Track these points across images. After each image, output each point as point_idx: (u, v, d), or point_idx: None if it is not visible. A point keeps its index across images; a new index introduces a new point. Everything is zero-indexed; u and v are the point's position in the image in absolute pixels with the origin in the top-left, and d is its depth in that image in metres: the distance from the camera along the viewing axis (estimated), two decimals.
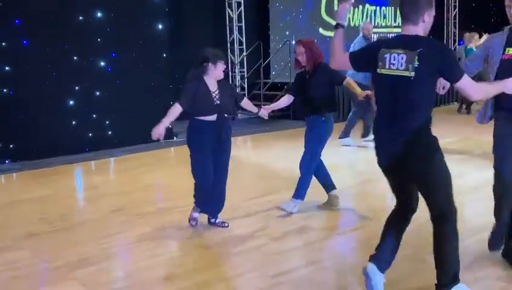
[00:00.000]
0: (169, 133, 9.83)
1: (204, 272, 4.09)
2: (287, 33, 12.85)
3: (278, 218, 5.25)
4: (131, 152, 8.90)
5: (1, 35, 8.09)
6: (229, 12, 12.36)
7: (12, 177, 7.63)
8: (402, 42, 3.14)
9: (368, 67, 3.27)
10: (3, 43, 8.14)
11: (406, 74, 3.06)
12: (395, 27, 14.99)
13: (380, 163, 3.34)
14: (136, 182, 7.00)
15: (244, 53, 12.53)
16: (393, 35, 13.74)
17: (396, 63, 3.10)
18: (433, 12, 3.20)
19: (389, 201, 5.14)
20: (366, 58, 3.30)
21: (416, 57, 3.02)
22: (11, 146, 8.32)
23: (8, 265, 4.37)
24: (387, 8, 14.92)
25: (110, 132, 9.22)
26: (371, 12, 14.47)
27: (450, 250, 3.24)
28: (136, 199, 6.21)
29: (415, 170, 3.18)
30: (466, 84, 3.14)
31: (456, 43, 16.91)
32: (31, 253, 4.61)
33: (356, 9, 14.08)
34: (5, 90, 8.21)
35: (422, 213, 3.42)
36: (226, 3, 12.32)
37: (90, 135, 9.01)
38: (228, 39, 12.44)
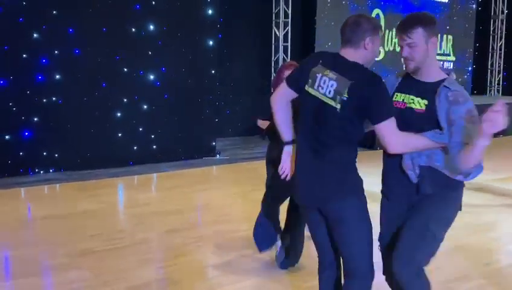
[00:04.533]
0: (212, 150, 9.68)
1: None
2: None
3: None
4: (175, 168, 8.71)
5: (54, 43, 7.99)
6: (275, 32, 12.19)
7: (56, 188, 7.46)
8: (337, 64, 2.73)
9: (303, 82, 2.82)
10: (56, 51, 8.03)
11: (332, 103, 2.67)
12: (440, 54, 14.72)
13: (300, 200, 2.94)
14: (187, 200, 6.79)
15: None
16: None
17: (324, 88, 2.70)
18: (378, 42, 2.78)
19: None
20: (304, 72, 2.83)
21: (347, 89, 2.62)
22: (56, 155, 8.18)
23: (68, 285, 4.15)
24: None
25: (154, 146, 9.05)
26: None
27: None
28: (189, 219, 5.99)
29: (330, 213, 2.78)
30: (387, 130, 2.65)
31: (501, 75, 16.55)
32: (90, 273, 4.39)
33: None
34: (54, 98, 8.09)
35: None
36: (273, 22, 12.17)
37: (135, 148, 8.84)
38: (273, 58, 12.25)
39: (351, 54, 2.75)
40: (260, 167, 8.92)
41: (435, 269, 4.49)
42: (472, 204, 6.71)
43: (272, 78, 12.34)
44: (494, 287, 4.19)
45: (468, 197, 6.95)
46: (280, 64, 12.19)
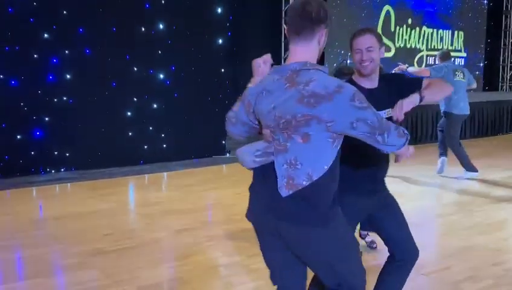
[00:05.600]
0: (222, 149, 9.71)
1: None
2: (342, 52, 12.62)
3: None
4: (186, 167, 8.75)
5: (64, 43, 8.05)
6: (285, 29, 12.18)
7: (67, 187, 7.51)
8: None
9: None
10: (66, 51, 8.09)
11: None
12: (452, 50, 14.64)
13: None
14: (198, 199, 6.82)
15: None
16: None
17: None
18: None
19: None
20: None
21: None
22: (67, 154, 8.25)
23: (79, 285, 4.19)
24: (445, 31, 14.57)
25: (164, 145, 9.09)
26: (428, 35, 14.15)
27: None
28: (200, 218, 6.01)
29: None
30: None
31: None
32: (100, 273, 4.43)
33: (413, 31, 13.78)
34: (64, 98, 8.15)
35: None
36: (283, 20, 12.16)
37: (145, 147, 8.89)
38: (283, 56, 12.25)
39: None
40: None
41: (444, 269, 4.49)
42: (481, 203, 6.68)
43: None
44: (504, 287, 4.16)
45: (477, 195, 6.99)
46: None
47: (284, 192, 2.32)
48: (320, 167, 2.31)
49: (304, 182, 2.30)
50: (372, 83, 3.01)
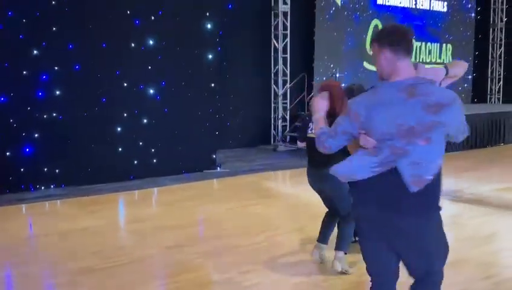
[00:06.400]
0: (212, 163, 9.70)
1: None
2: (331, 66, 12.69)
3: None
4: (176, 181, 8.72)
5: (54, 59, 8.04)
6: (274, 44, 12.26)
7: (57, 204, 7.47)
8: None
9: None
10: (56, 67, 8.08)
11: None
12: (440, 64, 14.76)
13: None
14: (188, 215, 6.79)
15: (288, 84, 12.38)
16: None
17: None
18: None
19: None
20: None
21: None
22: (56, 171, 8.20)
23: None
24: (433, 44, 14.71)
25: (155, 160, 9.07)
26: (416, 48, 14.26)
27: None
28: (190, 234, 5.99)
29: None
30: None
31: (501, 83, 16.57)
32: None
33: None
34: (54, 114, 8.12)
35: None
36: (272, 34, 12.24)
37: (135, 162, 8.87)
38: (272, 70, 12.32)
39: None
40: (260, 180, 8.99)
41: None
42: (471, 216, 6.71)
43: (272, 89, 12.41)
44: None
45: (467, 209, 7.01)
46: (280, 76, 12.27)
47: (413, 188, 2.65)
48: (438, 163, 2.71)
49: (428, 177, 2.67)
50: None
